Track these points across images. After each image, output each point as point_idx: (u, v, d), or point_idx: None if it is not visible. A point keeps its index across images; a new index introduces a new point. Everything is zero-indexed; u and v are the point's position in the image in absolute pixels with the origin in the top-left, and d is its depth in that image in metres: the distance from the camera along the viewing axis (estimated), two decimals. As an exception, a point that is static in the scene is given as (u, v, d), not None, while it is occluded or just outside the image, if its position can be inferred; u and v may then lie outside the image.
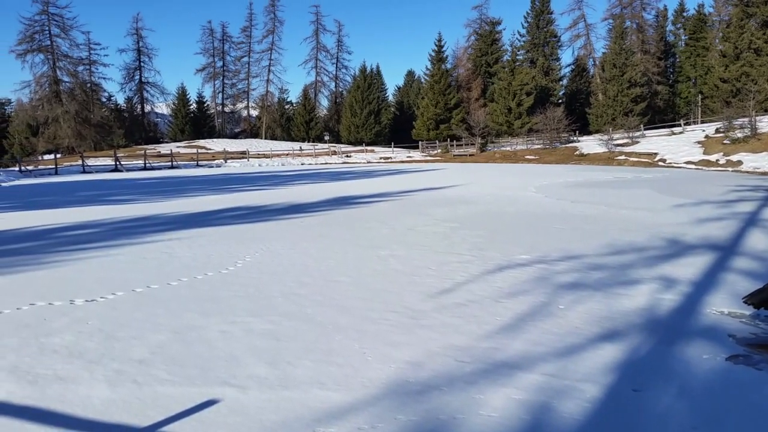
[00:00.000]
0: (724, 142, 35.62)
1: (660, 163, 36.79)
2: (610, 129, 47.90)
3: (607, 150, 44.09)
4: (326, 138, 71.41)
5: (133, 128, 75.61)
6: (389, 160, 53.42)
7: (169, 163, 46.88)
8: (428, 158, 54.32)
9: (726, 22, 55.99)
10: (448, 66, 69.86)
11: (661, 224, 10.56)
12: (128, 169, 42.04)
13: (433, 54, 69.11)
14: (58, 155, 54.14)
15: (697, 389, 3.58)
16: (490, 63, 71.56)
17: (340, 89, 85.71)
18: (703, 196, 15.86)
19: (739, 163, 31.07)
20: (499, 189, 19.20)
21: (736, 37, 49.59)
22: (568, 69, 73.04)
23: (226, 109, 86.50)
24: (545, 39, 69.54)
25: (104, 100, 74.24)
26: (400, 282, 6.34)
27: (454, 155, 54.54)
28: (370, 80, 72.53)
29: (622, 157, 40.73)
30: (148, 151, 52.33)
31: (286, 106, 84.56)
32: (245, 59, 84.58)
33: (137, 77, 77.95)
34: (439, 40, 68.52)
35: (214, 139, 72.45)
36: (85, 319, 5.08)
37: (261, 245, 8.88)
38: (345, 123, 72.93)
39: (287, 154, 58.08)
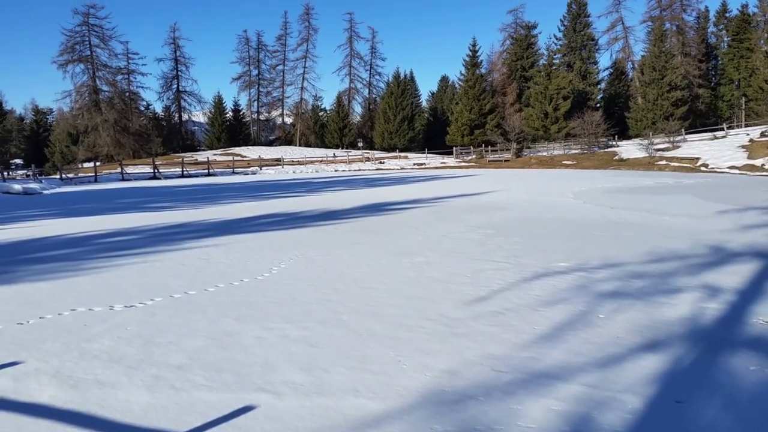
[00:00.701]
0: (770, 145, 34.50)
1: (702, 168, 35.82)
2: (650, 133, 46.90)
3: (647, 155, 43.19)
4: (360, 144, 71.72)
5: (170, 136, 77.18)
6: (423, 167, 53.33)
7: (206, 171, 47.73)
8: (462, 164, 54.04)
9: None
10: (483, 71, 69.47)
11: (704, 231, 10.26)
12: (166, 177, 42.95)
13: (467, 59, 68.89)
14: (98, 163, 55.62)
15: (744, 402, 3.44)
16: (526, 67, 70.89)
17: (374, 96, 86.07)
18: (748, 202, 15.35)
19: (786, 167, 30.04)
20: (536, 195, 18.95)
21: (782, 38, 48.02)
22: (606, 72, 71.94)
23: (261, 117, 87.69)
24: (582, 42, 68.58)
25: (142, 108, 75.97)
26: (435, 289, 6.29)
27: (488, 161, 54.14)
28: (404, 86, 72.62)
29: (663, 162, 39.81)
30: (185, 159, 53.39)
31: (320, 113, 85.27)
32: (280, 67, 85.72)
33: (174, 86, 79.64)
34: (474, 45, 68.30)
35: (250, 147, 73.47)
36: (124, 324, 5.18)
37: (295, 252, 8.93)
38: (378, 129, 73.13)
39: (321, 161, 58.53)
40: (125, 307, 5.80)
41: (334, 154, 63.06)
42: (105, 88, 70.85)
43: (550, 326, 4.92)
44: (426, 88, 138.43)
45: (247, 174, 47.14)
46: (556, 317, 5.17)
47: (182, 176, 44.31)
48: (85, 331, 5.01)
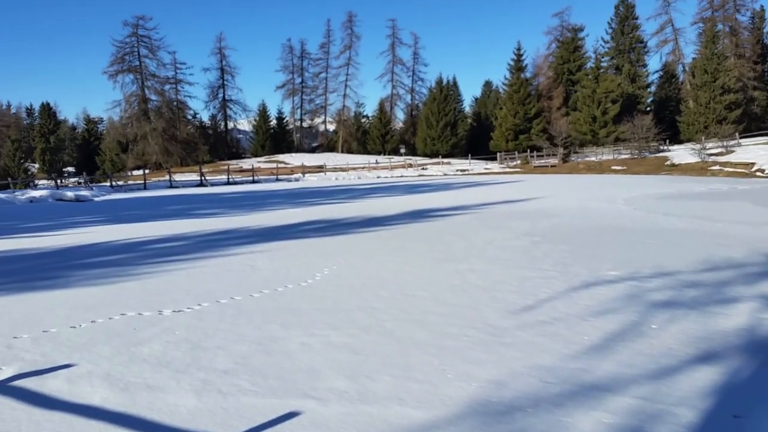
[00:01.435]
0: (832, 149, 32.89)
1: (758, 174, 34.41)
2: (703, 138, 45.38)
3: (699, 160, 41.76)
4: (402, 151, 71.83)
5: (216, 144, 79.02)
6: (466, 173, 52.96)
7: (251, 178, 48.56)
8: (507, 170, 53.39)
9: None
10: (528, 75, 68.78)
11: (761, 239, 9.82)
12: (212, 184, 43.89)
13: (511, 63, 68.32)
14: (147, 171, 57.28)
15: (814, 421, 3.24)
16: (573, 70, 69.77)
17: (416, 102, 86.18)
18: (810, 208, 14.64)
19: None
20: (584, 201, 18.53)
21: None
22: (656, 75, 70.13)
23: (304, 124, 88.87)
24: (631, 45, 67.06)
25: (190, 117, 78.10)
26: (480, 297, 6.20)
27: (534, 166, 53.33)
28: (446, 92, 72.45)
29: (716, 168, 38.45)
30: (230, 167, 54.49)
31: (362, 120, 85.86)
32: (323, 75, 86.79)
33: (221, 95, 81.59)
34: (518, 49, 67.72)
35: (293, 154, 74.51)
36: (172, 329, 5.28)
37: (339, 258, 8.97)
38: (421, 135, 73.10)
39: (363, 168, 58.84)
40: (173, 311, 5.92)
41: (376, 160, 63.33)
42: (153, 97, 73.28)
43: (600, 337, 4.77)
44: (469, 93, 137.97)
45: (291, 181, 47.76)
46: (607, 327, 5.02)
47: (228, 183, 45.20)
48: (134, 335, 5.12)
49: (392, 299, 6.23)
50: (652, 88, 68.73)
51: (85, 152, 77.87)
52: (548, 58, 73.57)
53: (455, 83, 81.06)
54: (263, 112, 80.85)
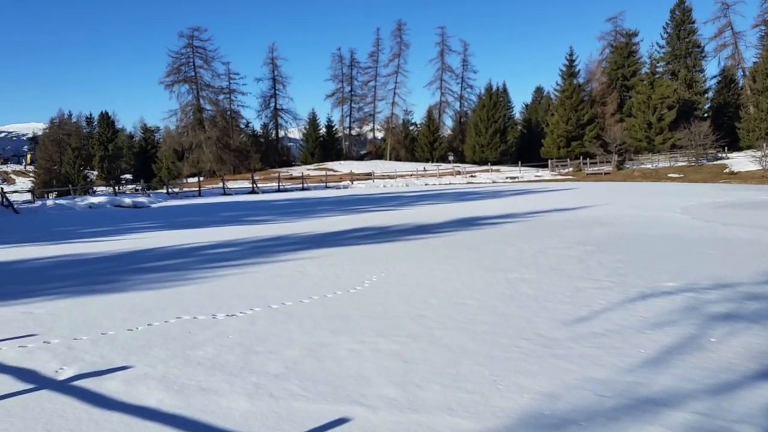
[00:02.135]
0: None
1: (827, 181, 32.66)
2: (764, 145, 43.38)
3: (760, 167, 39.95)
4: (450, 158, 71.50)
5: (268, 152, 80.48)
6: (516, 180, 52.24)
7: (300, 185, 49.24)
8: (559, 177, 52.37)
9: None
10: (581, 80, 67.43)
11: (834, 250, 9.30)
12: (264, 191, 44.71)
13: (563, 69, 67.20)
14: (201, 178, 58.86)
15: None
16: (627, 76, 68.04)
17: (465, 109, 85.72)
18: None
19: None
20: (640, 210, 17.98)
21: None
22: (714, 81, 67.40)
23: (353, 132, 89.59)
24: (687, 49, 64.87)
25: (242, 126, 79.79)
26: (531, 307, 6.09)
27: (587, 174, 52.09)
28: (496, 98, 71.78)
29: (779, 175, 36.69)
30: (281, 174, 55.46)
31: (411, 128, 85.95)
32: (372, 83, 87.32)
33: (272, 104, 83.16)
34: (571, 54, 66.58)
35: (341, 162, 75.19)
36: (225, 333, 5.40)
37: (387, 265, 8.98)
38: (469, 142, 72.63)
39: (411, 175, 58.83)
40: (227, 316, 6.05)
41: (424, 168, 63.21)
42: (208, 107, 75.25)
43: (657, 350, 4.62)
44: (519, 99, 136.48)
45: (339, 188, 48.18)
46: (664, 340, 4.85)
47: (278, 191, 45.96)
48: (189, 338, 5.26)
49: (441, 307, 6.19)
50: (710, 94, 66.17)
51: (142, 160, 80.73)
52: (601, 63, 71.97)
53: (505, 90, 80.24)
54: (313, 121, 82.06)
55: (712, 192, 27.46)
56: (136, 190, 49.03)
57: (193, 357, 4.71)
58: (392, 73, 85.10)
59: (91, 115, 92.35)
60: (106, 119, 78.51)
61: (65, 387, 4.08)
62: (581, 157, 57.00)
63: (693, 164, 48.31)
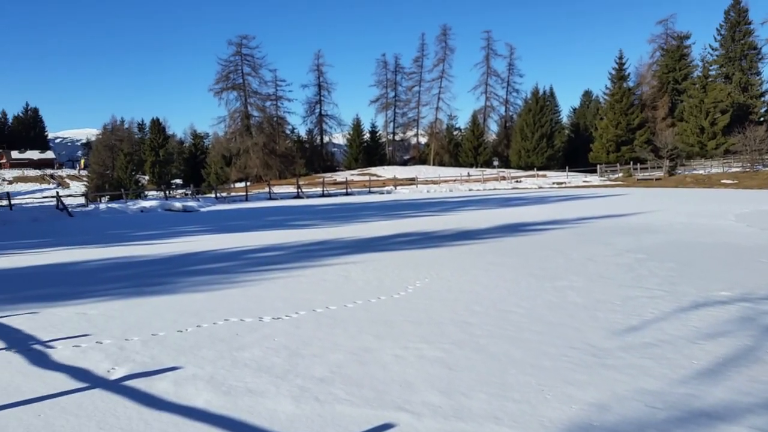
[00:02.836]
0: None
1: None
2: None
3: (822, 173, 38.15)
4: (495, 163, 70.75)
5: (312, 158, 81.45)
6: (563, 185, 51.29)
7: (344, 190, 49.62)
8: (608, 183, 51.15)
9: None
10: (630, 84, 65.88)
11: None
12: (308, 196, 45.21)
13: (613, 72, 65.85)
14: (248, 183, 59.96)
15: None
16: (679, 79, 66.13)
17: (510, 113, 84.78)
18: None
19: None
20: (692, 217, 17.38)
21: None
22: (771, 84, 64.78)
23: (396, 137, 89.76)
24: (742, 52, 62.53)
25: (288, 132, 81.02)
26: (580, 316, 5.94)
27: (637, 179, 50.71)
28: (543, 102, 70.81)
29: None
30: (325, 179, 55.95)
31: (455, 132, 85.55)
32: (416, 88, 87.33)
33: (317, 110, 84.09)
34: (620, 58, 65.23)
35: (385, 167, 75.40)
36: (272, 335, 5.46)
37: (431, 271, 8.93)
38: (515, 147, 71.81)
39: (455, 180, 58.49)
40: (273, 319, 6.12)
41: (468, 173, 62.77)
42: (255, 113, 76.71)
43: (711, 361, 4.45)
44: (567, 103, 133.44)
45: (383, 193, 48.31)
46: (718, 351, 4.67)
47: (322, 195, 46.40)
48: (236, 340, 5.34)
49: (486, 315, 6.11)
50: (767, 98, 63.61)
51: (191, 165, 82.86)
52: (652, 66, 70.17)
53: (552, 93, 79.03)
54: (357, 126, 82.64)
55: (771, 199, 26.32)
56: (186, 194, 50.36)
57: (240, 358, 4.78)
58: (437, 77, 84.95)
59: (143, 121, 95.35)
60: (157, 125, 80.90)
61: (117, 386, 4.19)
62: (631, 163, 55.63)
63: (748, 170, 46.55)
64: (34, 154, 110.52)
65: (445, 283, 7.98)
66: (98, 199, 46.37)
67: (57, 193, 30.69)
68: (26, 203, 33.22)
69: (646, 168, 52.75)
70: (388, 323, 5.82)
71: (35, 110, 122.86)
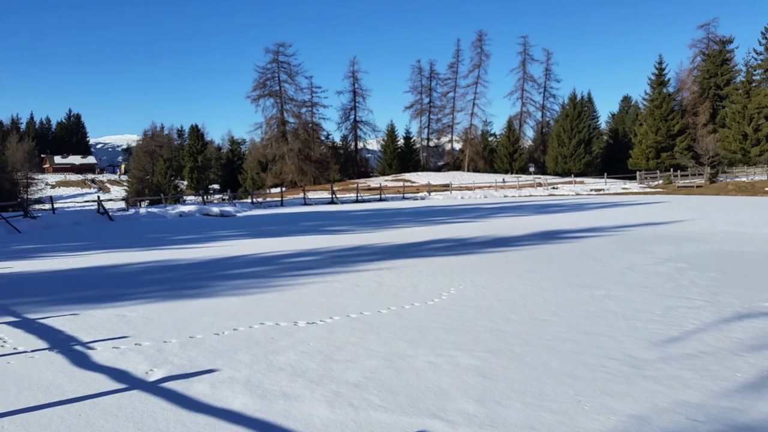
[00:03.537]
0: None
1: None
2: None
3: None
4: (531, 169, 70.00)
5: (347, 164, 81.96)
6: (601, 192, 50.36)
7: (378, 196, 49.67)
8: (647, 190, 49.99)
9: None
10: (671, 89, 64.50)
11: None
12: (342, 202, 45.43)
13: (653, 77, 64.64)
14: (283, 188, 60.57)
15: None
16: (720, 85, 64.41)
17: (547, 119, 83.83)
18: None
19: None
20: (734, 225, 16.87)
21: None
22: (819, 89, 62.52)
23: (431, 143, 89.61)
24: (789, 55, 60.57)
25: (323, 138, 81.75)
26: (618, 326, 5.82)
27: (678, 186, 49.47)
28: (580, 108, 69.78)
29: None
30: (359, 185, 56.21)
31: (490, 138, 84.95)
32: (451, 94, 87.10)
33: (352, 117, 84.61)
34: (660, 63, 63.98)
35: (419, 173, 75.28)
36: (306, 340, 5.51)
37: (465, 278, 8.88)
38: (551, 153, 70.91)
39: (489, 186, 58.02)
40: (307, 323, 6.18)
41: (503, 179, 62.24)
42: (291, 120, 77.73)
43: (756, 374, 4.31)
44: (605, 109, 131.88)
45: (417, 199, 48.20)
46: (763, 364, 4.52)
47: (356, 201, 46.56)
48: (272, 344, 5.40)
49: (522, 323, 6.04)
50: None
51: (228, 171, 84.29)
52: (693, 71, 68.55)
53: (590, 99, 77.83)
54: (391, 132, 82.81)
55: (820, 207, 25.35)
56: (223, 199, 51.12)
57: (275, 362, 4.83)
58: (472, 83, 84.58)
59: (182, 127, 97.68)
60: (195, 132, 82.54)
61: (155, 388, 4.28)
62: (671, 169, 54.31)
63: (795, 177, 44.89)
64: (76, 159, 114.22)
65: (479, 290, 7.92)
66: (138, 204, 47.43)
67: (98, 197, 31.55)
68: (68, 207, 34.22)
69: (687, 175, 51.39)
70: (422, 330, 5.81)
71: (77, 116, 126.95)
